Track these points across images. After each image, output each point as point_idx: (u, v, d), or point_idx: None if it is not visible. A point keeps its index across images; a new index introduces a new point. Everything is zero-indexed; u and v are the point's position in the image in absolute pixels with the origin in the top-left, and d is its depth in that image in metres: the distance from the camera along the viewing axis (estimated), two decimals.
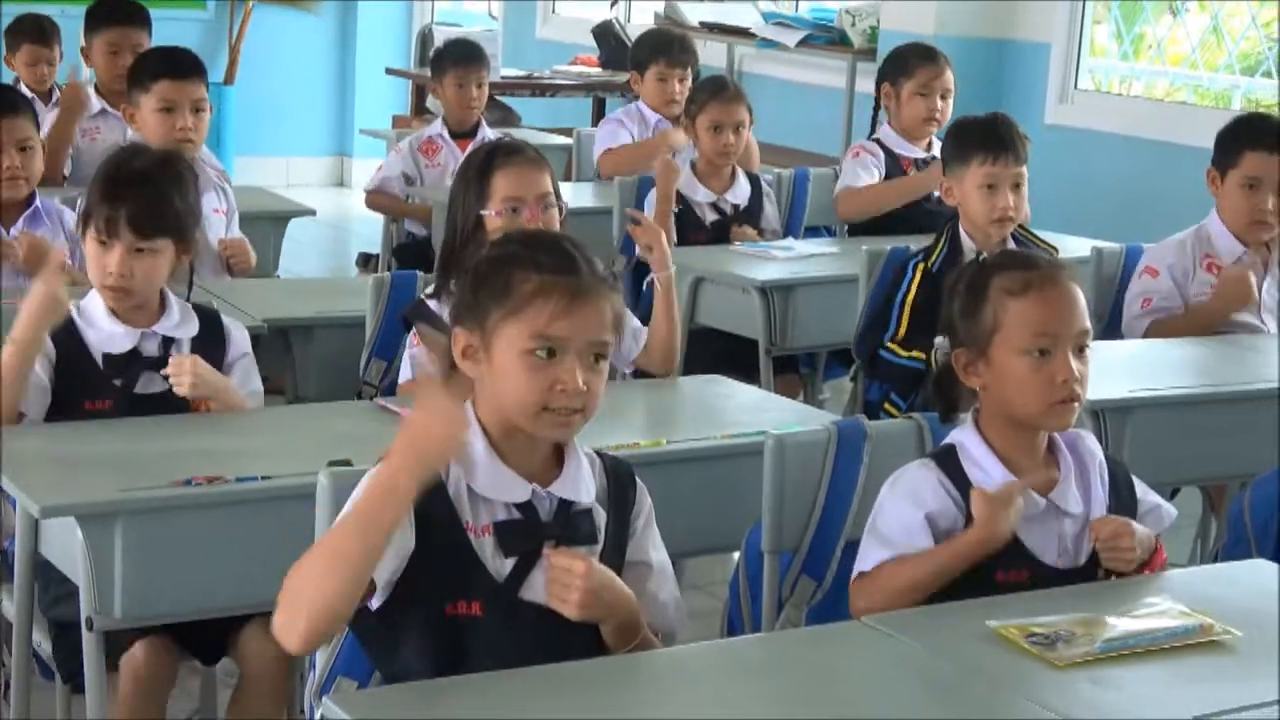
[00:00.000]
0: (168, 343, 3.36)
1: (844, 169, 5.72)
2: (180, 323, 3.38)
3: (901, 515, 2.73)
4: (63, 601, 3.05)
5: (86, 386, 3.29)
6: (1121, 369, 3.97)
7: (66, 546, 2.91)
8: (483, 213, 3.60)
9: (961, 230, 4.35)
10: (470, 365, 2.46)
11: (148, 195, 3.31)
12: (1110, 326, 4.65)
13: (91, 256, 3.33)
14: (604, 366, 2.46)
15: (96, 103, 5.88)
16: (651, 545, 2.58)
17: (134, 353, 3.33)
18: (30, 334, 3.18)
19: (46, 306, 3.19)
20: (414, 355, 3.59)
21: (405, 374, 3.62)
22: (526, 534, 2.44)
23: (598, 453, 2.58)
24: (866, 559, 2.73)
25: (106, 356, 3.32)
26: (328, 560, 2.24)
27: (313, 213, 5.53)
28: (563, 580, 2.40)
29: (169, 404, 3.32)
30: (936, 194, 5.46)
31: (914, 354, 4.19)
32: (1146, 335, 4.56)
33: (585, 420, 2.46)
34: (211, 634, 3.15)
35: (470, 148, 6.19)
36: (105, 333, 3.32)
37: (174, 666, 3.14)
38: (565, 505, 2.48)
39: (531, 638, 2.38)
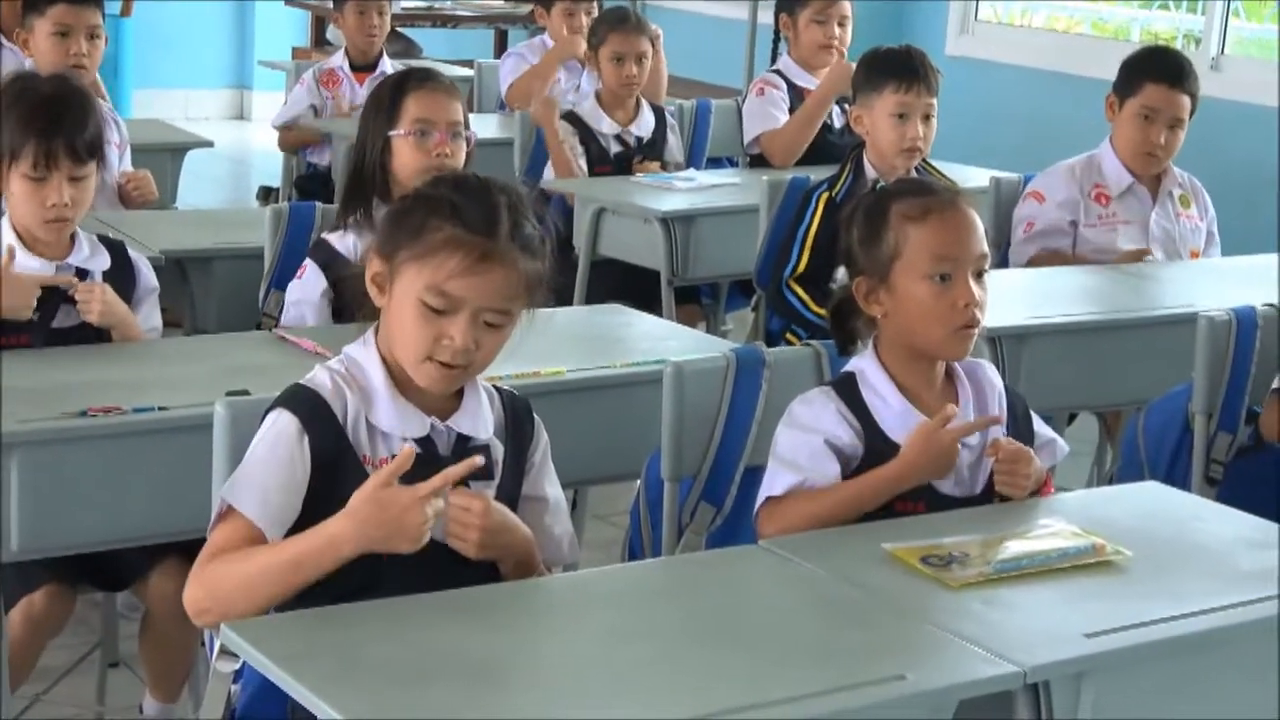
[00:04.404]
0: (82, 275, 3.32)
1: (753, 111, 5.67)
2: (91, 255, 3.35)
3: (805, 439, 2.74)
4: None
5: (2, 322, 3.24)
6: (1017, 296, 4.00)
7: None
8: (391, 134, 3.58)
9: (866, 161, 4.35)
10: (377, 293, 2.45)
11: (77, 121, 3.26)
12: (1005, 255, 4.69)
13: (24, 194, 3.24)
14: (502, 330, 2.42)
15: None
16: (547, 480, 2.58)
17: (49, 286, 3.28)
18: None
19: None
20: (298, 298, 3.59)
21: (287, 316, 3.62)
22: (424, 468, 2.41)
23: (496, 387, 2.58)
24: (775, 484, 2.72)
25: None
26: (256, 585, 2.30)
27: (210, 144, 5.49)
28: (461, 520, 2.40)
29: (86, 337, 3.29)
30: (840, 125, 5.52)
31: (819, 311, 4.19)
32: (1032, 264, 4.61)
33: (470, 376, 2.46)
34: (114, 564, 3.14)
35: (369, 80, 6.22)
36: (20, 267, 3.26)
37: (69, 613, 3.13)
38: (463, 440, 2.48)
39: (431, 573, 2.36)
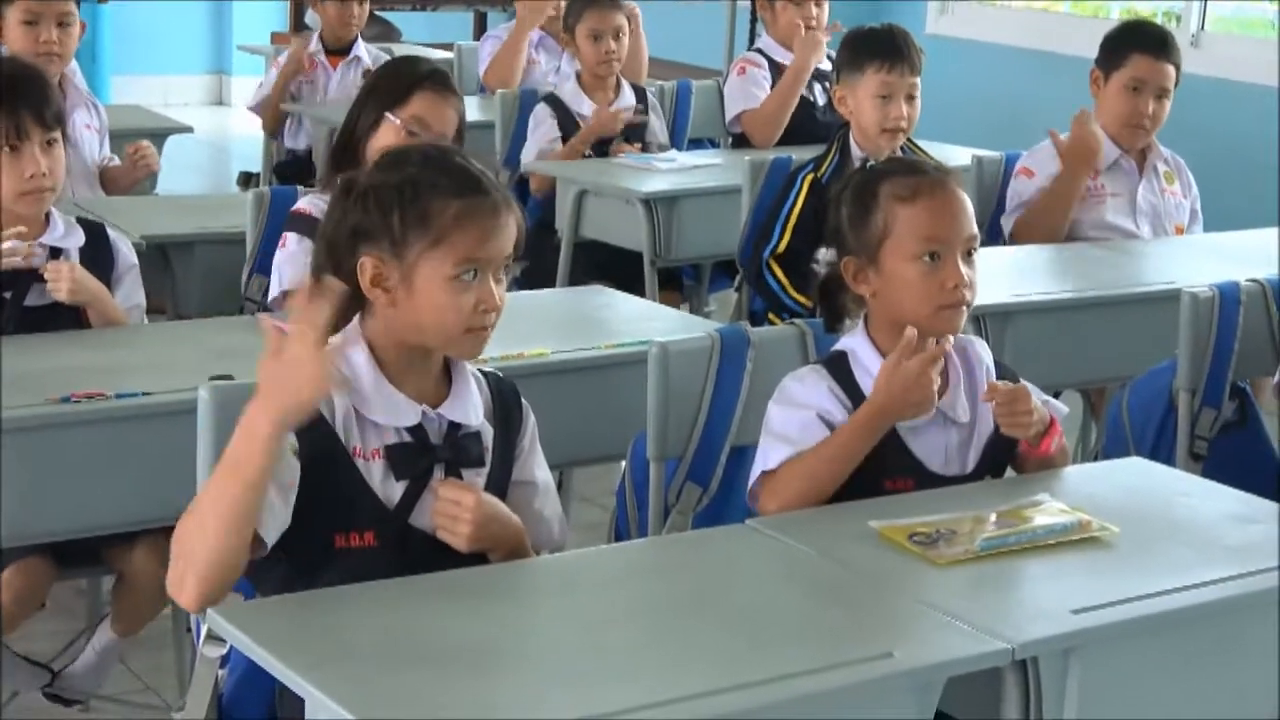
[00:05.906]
0: (55, 254, 3.32)
1: (734, 91, 5.67)
2: (66, 234, 3.34)
3: (797, 414, 2.73)
4: None
5: None
6: (1002, 274, 4.00)
7: None
8: (389, 115, 3.54)
9: (852, 141, 4.34)
10: (380, 293, 2.41)
11: (37, 89, 3.27)
12: (990, 233, 4.70)
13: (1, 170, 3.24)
14: (504, 278, 2.47)
15: None
16: (536, 464, 2.58)
17: (21, 267, 3.26)
18: None
19: None
20: (282, 262, 3.56)
21: (275, 288, 3.59)
22: (417, 457, 2.43)
23: (482, 371, 2.57)
24: (769, 457, 2.71)
25: None
26: (205, 513, 2.21)
27: (190, 129, 5.48)
28: (451, 512, 2.39)
29: (60, 315, 3.28)
30: (824, 103, 5.52)
31: (797, 297, 4.19)
32: (1014, 233, 4.61)
33: (492, 331, 2.47)
34: (94, 547, 3.14)
35: (343, 65, 6.21)
36: None
37: (49, 585, 3.14)
38: (454, 427, 2.47)
39: (422, 566, 2.35)
